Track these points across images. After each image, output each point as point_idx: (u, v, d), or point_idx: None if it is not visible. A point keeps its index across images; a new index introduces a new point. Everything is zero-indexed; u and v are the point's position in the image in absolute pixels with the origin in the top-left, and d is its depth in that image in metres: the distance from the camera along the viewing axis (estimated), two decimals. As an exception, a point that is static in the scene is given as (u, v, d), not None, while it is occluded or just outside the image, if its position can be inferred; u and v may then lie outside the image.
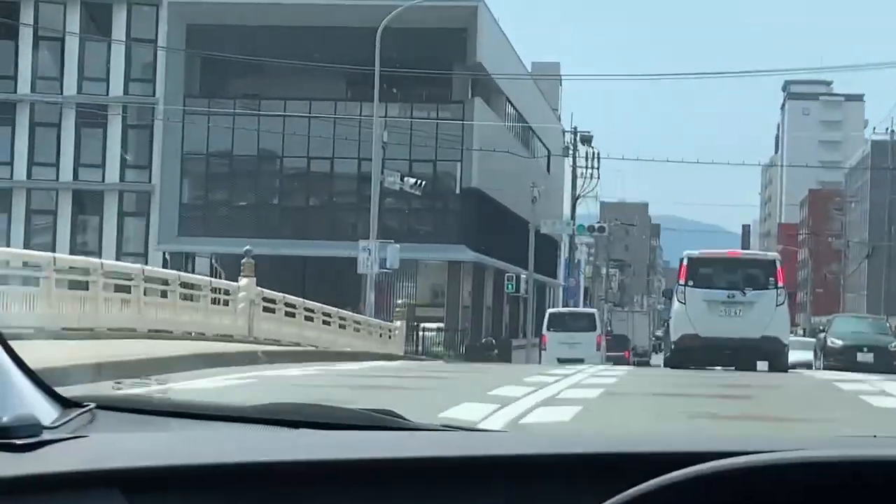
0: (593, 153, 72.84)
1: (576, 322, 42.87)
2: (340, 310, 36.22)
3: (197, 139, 56.68)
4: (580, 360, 40.50)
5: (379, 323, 36.95)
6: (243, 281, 25.39)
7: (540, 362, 41.18)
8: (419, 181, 43.04)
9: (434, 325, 54.95)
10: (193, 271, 62.16)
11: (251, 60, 52.78)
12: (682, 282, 24.80)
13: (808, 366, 34.18)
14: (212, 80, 57.80)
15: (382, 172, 40.53)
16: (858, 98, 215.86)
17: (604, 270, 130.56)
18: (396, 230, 55.05)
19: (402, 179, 41.51)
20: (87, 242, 62.73)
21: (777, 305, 24.42)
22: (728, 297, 24.16)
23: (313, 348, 28.86)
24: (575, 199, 71.59)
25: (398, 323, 38.02)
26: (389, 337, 37.38)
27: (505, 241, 61.65)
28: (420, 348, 51.21)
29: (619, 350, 58.58)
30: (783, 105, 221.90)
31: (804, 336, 58.43)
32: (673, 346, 25.27)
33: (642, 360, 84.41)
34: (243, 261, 25.53)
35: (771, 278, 24.50)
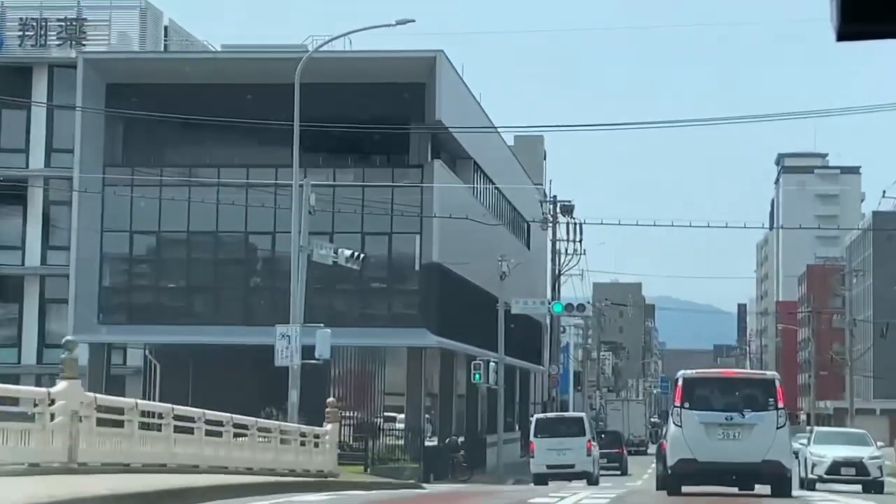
0: (575, 225, 66.00)
1: (564, 427, 41.94)
2: (258, 417, 28.95)
3: (118, 214, 49.53)
4: (570, 467, 39.67)
5: (299, 429, 29.54)
6: (61, 385, 18.13)
7: (531, 469, 40.53)
8: (357, 253, 35.81)
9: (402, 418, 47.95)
10: (125, 364, 54.87)
11: (176, 120, 45.85)
12: (677, 403, 23.98)
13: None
14: (136, 148, 50.81)
15: (309, 244, 33.24)
16: (855, 171, 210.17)
17: (595, 354, 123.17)
18: (347, 314, 47.88)
19: (335, 252, 34.26)
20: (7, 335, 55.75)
21: (778, 428, 23.63)
22: (726, 419, 23.44)
23: (191, 468, 21.63)
24: (556, 275, 64.47)
25: (328, 426, 30.64)
26: (316, 445, 29.99)
27: (476, 323, 54.36)
28: (373, 455, 43.79)
29: (612, 447, 56.58)
30: (777, 179, 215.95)
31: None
32: (669, 472, 24.08)
33: (639, 451, 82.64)
34: (62, 355, 18.30)
35: (770, 399, 23.78)
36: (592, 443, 41.89)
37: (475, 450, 55.25)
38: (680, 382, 24.12)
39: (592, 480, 40.65)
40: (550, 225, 64.83)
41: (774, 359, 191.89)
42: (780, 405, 23.74)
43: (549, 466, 40.08)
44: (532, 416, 65.64)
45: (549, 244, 64.85)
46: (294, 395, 31.57)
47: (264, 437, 27.50)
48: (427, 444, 46.63)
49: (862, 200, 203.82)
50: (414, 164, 49.73)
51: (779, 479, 23.84)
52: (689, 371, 25.33)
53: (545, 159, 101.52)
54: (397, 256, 49.72)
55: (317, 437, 30.39)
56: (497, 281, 52.80)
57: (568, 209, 66.40)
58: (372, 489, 29.42)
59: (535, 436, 41.33)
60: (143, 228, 49.76)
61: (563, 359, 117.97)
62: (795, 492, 26.54)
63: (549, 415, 50.52)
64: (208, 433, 23.70)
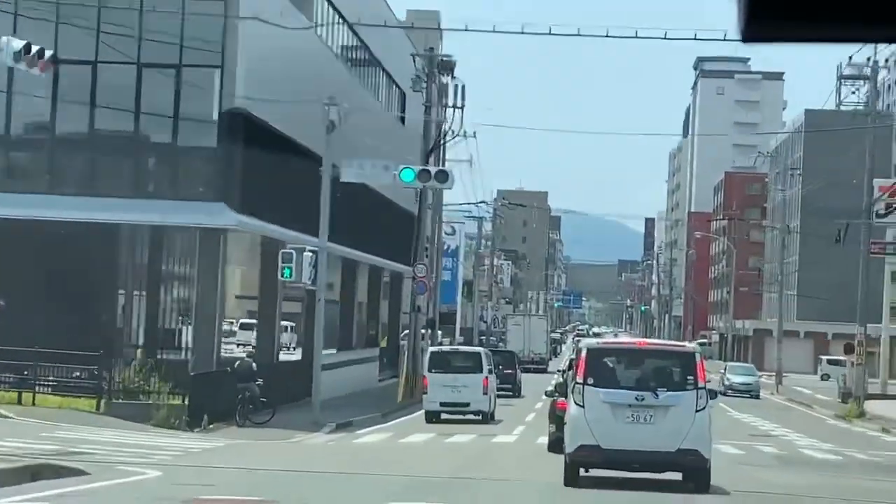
0: (457, 87, 51.71)
1: (460, 363, 40.01)
2: None
3: None
4: (465, 405, 38.14)
5: None
6: None
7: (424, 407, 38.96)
8: (40, 49, 21.03)
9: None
10: None
11: None
12: (579, 379, 20.52)
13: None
14: None
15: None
16: (777, 76, 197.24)
17: (489, 261, 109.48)
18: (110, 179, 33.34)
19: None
20: None
21: (697, 411, 20.36)
22: (637, 399, 20.30)
23: None
24: (429, 150, 50.10)
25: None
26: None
27: (307, 203, 39.81)
28: (116, 384, 29.45)
29: (506, 368, 54.70)
30: (695, 84, 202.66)
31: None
32: (568, 460, 20.48)
33: (538, 368, 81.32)
34: None
35: (689, 376, 20.51)
36: (490, 379, 39.62)
37: (307, 377, 41.42)
38: (583, 353, 21.00)
39: (488, 418, 38.99)
40: (425, 86, 50.19)
41: (684, 273, 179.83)
42: (701, 383, 20.68)
43: (442, 404, 38.24)
44: (403, 332, 60.11)
45: (427, 113, 50.33)
46: None
47: None
48: (206, 370, 32.67)
49: (784, 108, 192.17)
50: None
51: (696, 472, 20.70)
52: (593, 340, 23.90)
53: (441, 40, 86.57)
54: (187, 100, 35.05)
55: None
56: (338, 142, 37.80)
57: (447, 66, 51.88)
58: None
59: (430, 370, 39.18)
60: None
61: (452, 264, 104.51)
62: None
63: (444, 348, 47.48)
64: None
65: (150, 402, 30.31)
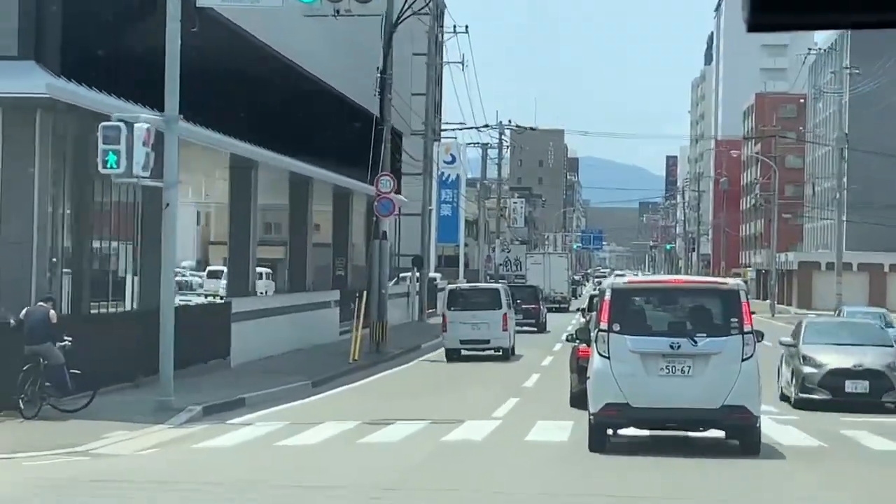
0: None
1: (479, 299, 39.34)
2: None
3: None
4: (485, 342, 38.16)
5: None
6: None
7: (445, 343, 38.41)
8: None
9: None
10: None
11: None
12: (603, 325, 17.64)
13: None
14: None
15: None
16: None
17: (495, 191, 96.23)
18: None
19: None
20: None
21: (743, 359, 17.35)
22: (672, 347, 17.42)
23: None
24: (393, 22, 37.48)
25: None
26: None
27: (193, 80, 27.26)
28: None
29: (529, 303, 54.39)
30: (718, 5, 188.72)
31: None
32: (593, 420, 17.56)
33: (560, 307, 78.73)
34: None
35: (733, 318, 17.58)
36: (509, 315, 39.31)
37: (225, 330, 29.20)
38: (607, 295, 17.78)
39: (508, 354, 38.63)
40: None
41: (712, 207, 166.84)
42: (747, 326, 17.38)
43: (462, 341, 37.98)
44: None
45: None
46: None
47: None
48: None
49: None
50: None
51: (744, 431, 17.53)
52: (619, 279, 20.21)
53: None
54: None
55: None
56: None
57: None
58: None
59: (448, 308, 38.81)
60: None
61: (452, 196, 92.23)
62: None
63: (463, 285, 47.60)
64: None
65: None
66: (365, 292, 36.95)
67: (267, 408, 22.48)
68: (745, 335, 17.47)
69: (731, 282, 19.74)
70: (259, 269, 36.52)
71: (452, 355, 37.68)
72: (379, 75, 37.82)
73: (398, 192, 60.67)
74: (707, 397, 17.24)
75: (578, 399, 21.40)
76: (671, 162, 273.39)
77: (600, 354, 17.51)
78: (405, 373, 32.96)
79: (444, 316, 38.88)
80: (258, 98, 37.03)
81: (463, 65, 66.42)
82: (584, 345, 20.79)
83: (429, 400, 24.57)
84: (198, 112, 28.41)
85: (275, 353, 33.24)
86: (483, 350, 38.00)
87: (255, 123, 36.20)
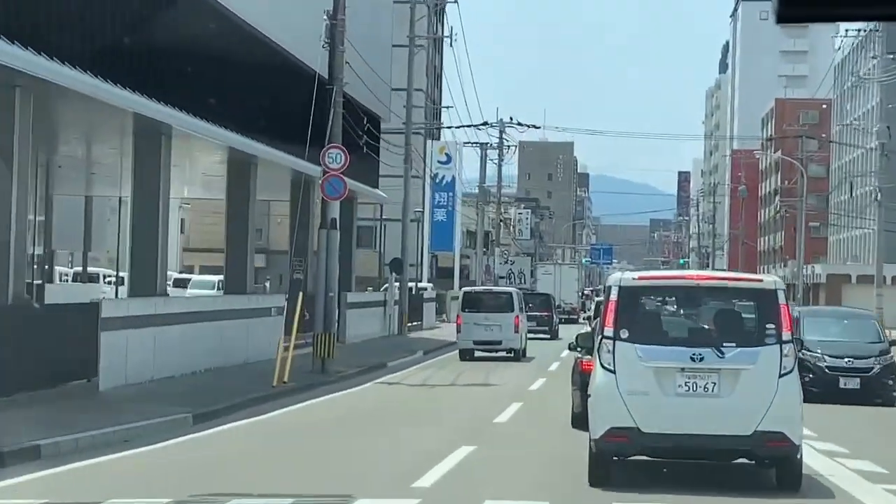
0: None
1: (493, 302, 41.36)
2: None
3: None
4: (497, 343, 39.99)
5: None
6: None
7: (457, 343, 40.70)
8: None
9: None
10: None
11: None
12: (608, 331, 14.44)
13: None
14: None
15: None
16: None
17: (494, 194, 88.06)
18: None
19: None
20: None
21: (782, 375, 14.30)
22: (693, 359, 14.27)
23: None
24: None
25: None
26: None
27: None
28: None
29: (542, 311, 56.01)
30: (734, 10, 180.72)
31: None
32: (594, 448, 14.37)
33: (570, 318, 78.54)
34: None
35: (769, 324, 14.49)
36: (521, 318, 40.93)
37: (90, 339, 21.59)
38: (613, 294, 14.54)
39: (520, 355, 40.29)
40: None
41: (727, 219, 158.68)
42: (787, 334, 14.29)
43: (475, 342, 39.95)
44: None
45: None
46: None
47: None
48: None
49: (834, 35, 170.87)
50: None
51: (782, 462, 14.40)
52: (629, 275, 15.33)
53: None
54: None
55: None
56: None
57: None
58: None
59: (463, 310, 40.61)
60: None
61: (447, 200, 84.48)
62: None
63: (478, 288, 48.97)
64: None
65: None
66: (300, 294, 28.96)
67: (67, 462, 14.42)
68: (783, 345, 14.50)
69: (768, 279, 15.60)
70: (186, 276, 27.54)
71: (466, 355, 39.70)
72: (327, 21, 29.90)
73: (376, 186, 52.81)
74: (737, 421, 14.34)
75: (582, 421, 17.29)
76: (683, 178, 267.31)
77: (604, 367, 14.52)
78: (342, 401, 24.76)
79: (458, 316, 40.91)
80: (181, 49, 29.19)
81: (451, 40, 58.47)
82: (588, 355, 17.48)
83: (338, 445, 16.72)
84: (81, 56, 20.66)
85: (175, 373, 25.24)
86: (496, 351, 39.95)
87: (172, 81, 28.38)
